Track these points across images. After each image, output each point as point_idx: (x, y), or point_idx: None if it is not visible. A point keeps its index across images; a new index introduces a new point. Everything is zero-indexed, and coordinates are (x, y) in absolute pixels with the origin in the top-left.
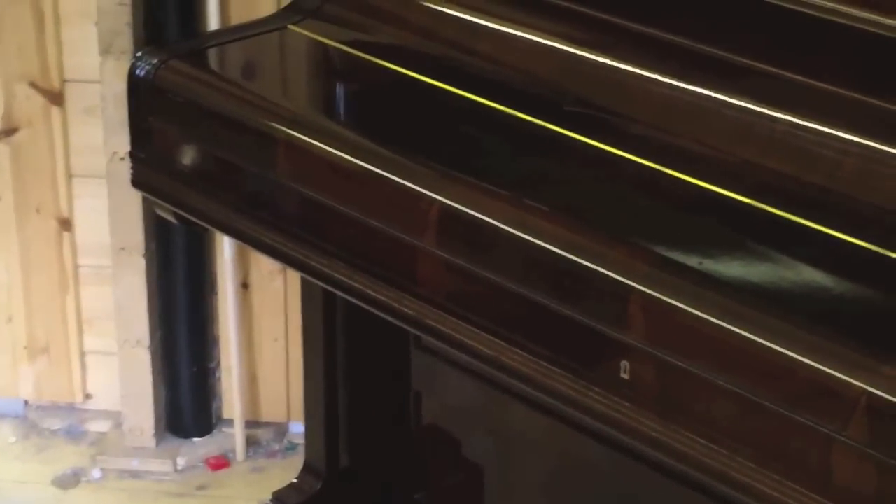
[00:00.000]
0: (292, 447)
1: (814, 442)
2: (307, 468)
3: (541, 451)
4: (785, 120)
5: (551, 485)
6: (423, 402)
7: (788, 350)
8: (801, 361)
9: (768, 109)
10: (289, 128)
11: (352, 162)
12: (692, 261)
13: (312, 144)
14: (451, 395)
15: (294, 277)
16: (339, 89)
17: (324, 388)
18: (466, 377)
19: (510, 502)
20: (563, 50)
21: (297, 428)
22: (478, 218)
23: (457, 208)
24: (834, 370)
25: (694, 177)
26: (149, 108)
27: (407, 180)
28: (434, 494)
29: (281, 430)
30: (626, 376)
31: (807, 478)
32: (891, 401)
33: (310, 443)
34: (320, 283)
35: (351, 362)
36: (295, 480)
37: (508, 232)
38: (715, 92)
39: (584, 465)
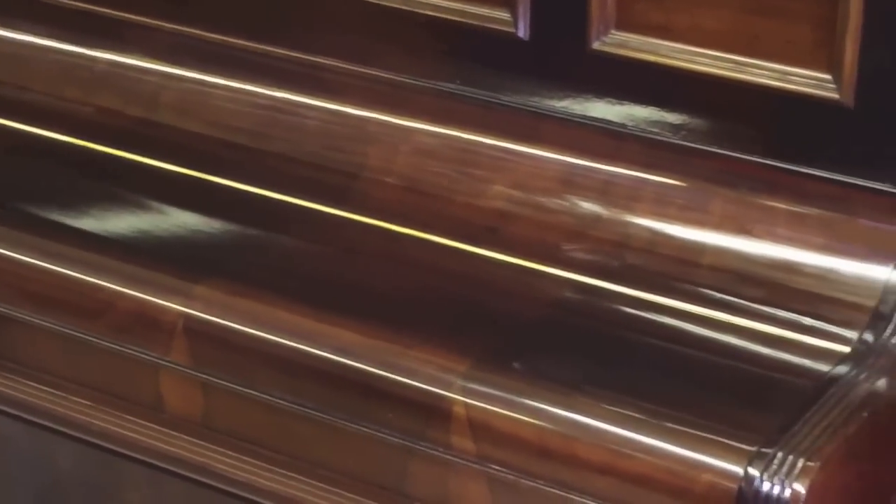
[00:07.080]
0: None
1: (144, 372)
2: None
3: None
4: (104, 59)
5: None
6: None
7: (105, 282)
8: (118, 292)
9: (87, 50)
10: None
11: None
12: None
13: None
14: None
15: None
16: None
17: None
18: None
19: None
20: None
21: None
22: None
23: None
24: (150, 296)
25: (21, 123)
26: None
27: None
28: None
29: None
30: None
31: (142, 409)
32: (204, 319)
33: None
34: None
35: None
36: None
37: None
38: (32, 37)
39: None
